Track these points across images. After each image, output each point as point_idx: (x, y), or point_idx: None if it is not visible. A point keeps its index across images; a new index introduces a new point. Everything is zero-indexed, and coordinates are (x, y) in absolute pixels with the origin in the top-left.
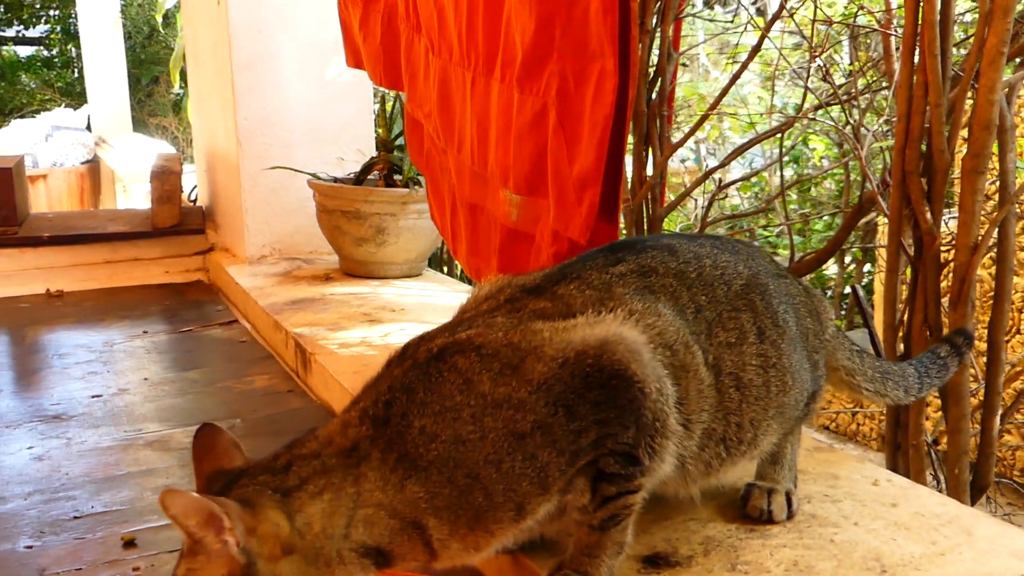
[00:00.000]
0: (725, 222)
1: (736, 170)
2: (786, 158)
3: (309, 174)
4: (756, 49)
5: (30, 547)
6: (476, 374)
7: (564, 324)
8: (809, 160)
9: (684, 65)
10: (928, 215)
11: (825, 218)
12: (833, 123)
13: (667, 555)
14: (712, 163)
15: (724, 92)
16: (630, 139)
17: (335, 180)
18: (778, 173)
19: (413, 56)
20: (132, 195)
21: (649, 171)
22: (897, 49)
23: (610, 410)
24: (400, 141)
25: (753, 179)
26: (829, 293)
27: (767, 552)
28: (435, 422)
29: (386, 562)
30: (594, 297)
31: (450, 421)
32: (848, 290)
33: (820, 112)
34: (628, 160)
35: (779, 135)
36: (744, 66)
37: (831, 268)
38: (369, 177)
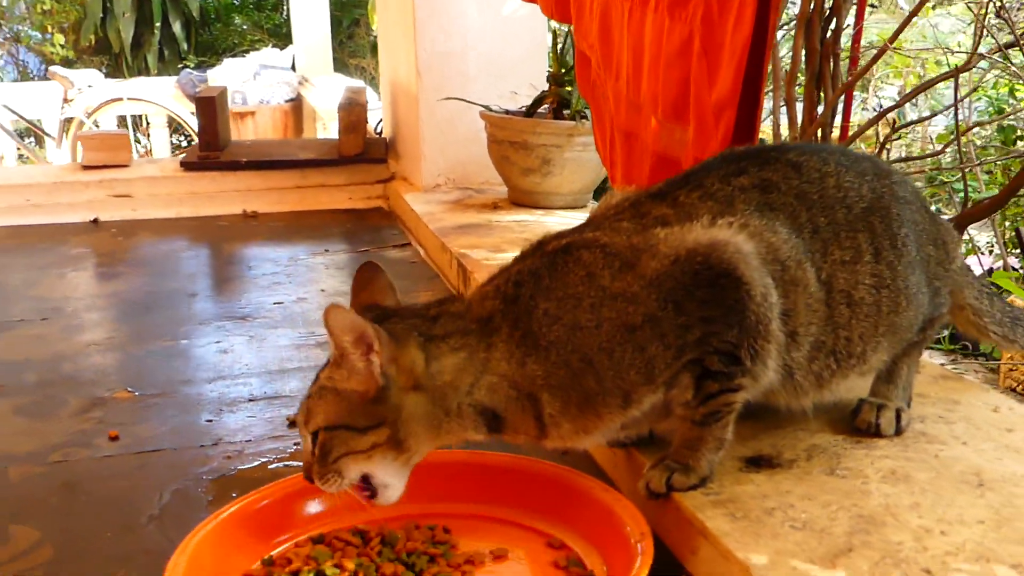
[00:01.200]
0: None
1: (938, 121)
2: (990, 111)
3: (482, 106)
4: None
5: (210, 421)
6: (598, 269)
7: (681, 228)
8: (1016, 110)
9: (872, 6)
10: None
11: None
12: (1012, 68)
13: (770, 457)
14: (914, 112)
15: (900, 29)
16: (801, 78)
17: (506, 112)
18: (980, 128)
19: None
20: (330, 131)
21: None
22: None
23: (716, 309)
24: (570, 76)
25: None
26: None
27: (868, 461)
28: (557, 307)
29: (498, 427)
30: (715, 209)
31: (571, 308)
32: None
33: (1003, 53)
34: (799, 103)
35: (956, 77)
36: (921, 4)
37: None
38: (539, 111)
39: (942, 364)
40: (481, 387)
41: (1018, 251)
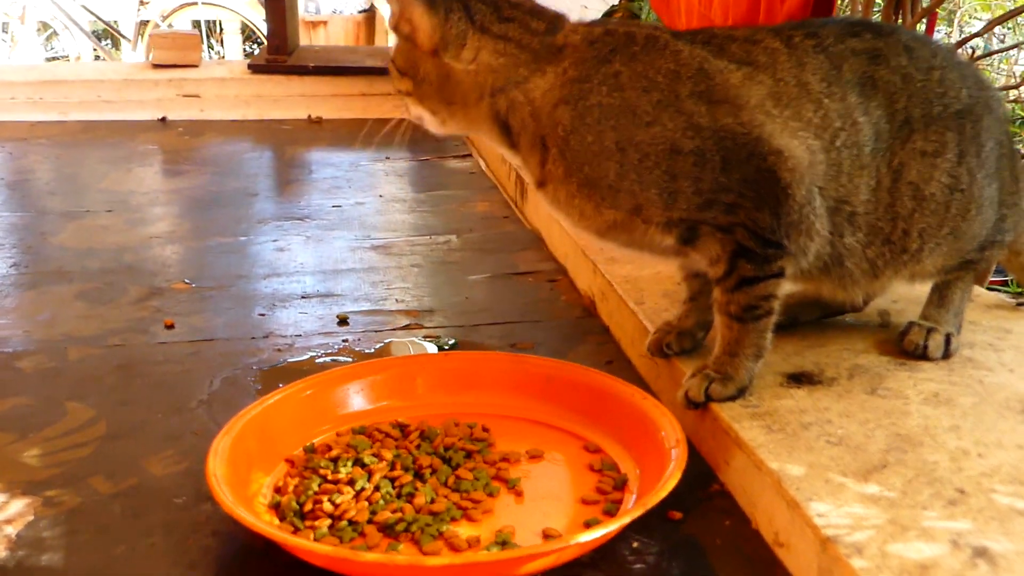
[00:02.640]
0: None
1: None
2: None
3: None
4: None
5: (262, 315)
6: (686, 77)
7: (781, 92)
8: None
9: None
10: None
11: None
12: None
13: (812, 374)
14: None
15: None
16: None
17: None
18: None
19: None
20: None
21: None
22: None
23: (755, 191)
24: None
25: None
26: None
27: (911, 383)
28: (629, 79)
29: (513, 144)
30: (824, 67)
31: (639, 88)
32: None
33: None
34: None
35: None
36: None
37: None
38: None
39: (996, 290)
40: (505, 97)
41: None
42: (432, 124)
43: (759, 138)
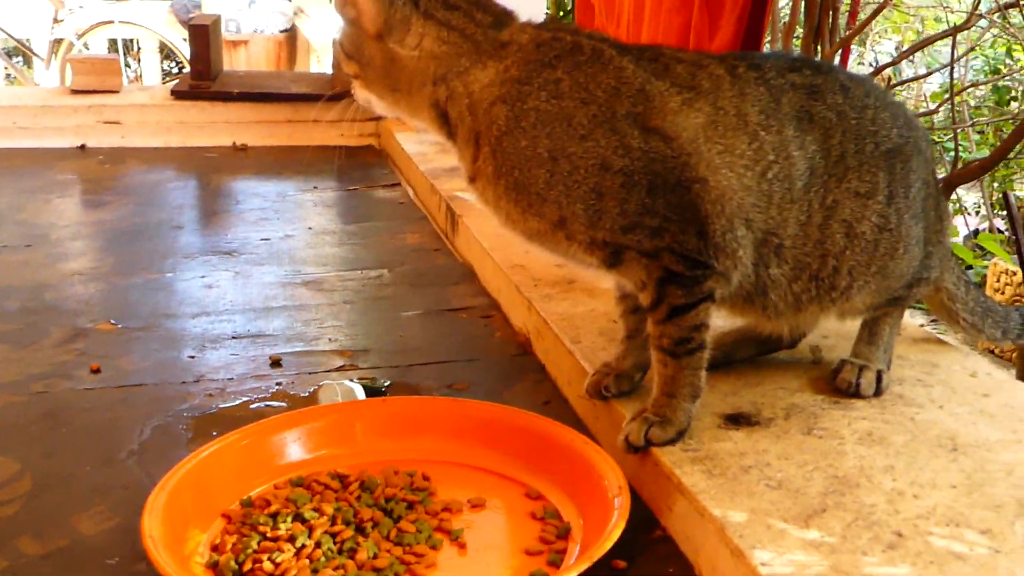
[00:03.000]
0: None
1: (934, 79)
2: (986, 69)
3: None
4: None
5: (192, 357)
6: (625, 96)
7: (719, 121)
8: (1012, 71)
9: None
10: None
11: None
12: (1010, 29)
13: (749, 415)
14: (911, 69)
15: None
16: (800, 30)
17: None
18: (976, 88)
19: None
20: (324, 65)
21: None
22: None
23: (678, 216)
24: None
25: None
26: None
27: (845, 422)
28: (569, 87)
29: (449, 132)
30: (763, 99)
31: (578, 100)
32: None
33: (1001, 13)
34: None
35: (953, 36)
36: None
37: (1021, 190)
38: None
39: (922, 325)
40: (446, 86)
41: (1004, 213)
42: (379, 108)
43: (687, 165)
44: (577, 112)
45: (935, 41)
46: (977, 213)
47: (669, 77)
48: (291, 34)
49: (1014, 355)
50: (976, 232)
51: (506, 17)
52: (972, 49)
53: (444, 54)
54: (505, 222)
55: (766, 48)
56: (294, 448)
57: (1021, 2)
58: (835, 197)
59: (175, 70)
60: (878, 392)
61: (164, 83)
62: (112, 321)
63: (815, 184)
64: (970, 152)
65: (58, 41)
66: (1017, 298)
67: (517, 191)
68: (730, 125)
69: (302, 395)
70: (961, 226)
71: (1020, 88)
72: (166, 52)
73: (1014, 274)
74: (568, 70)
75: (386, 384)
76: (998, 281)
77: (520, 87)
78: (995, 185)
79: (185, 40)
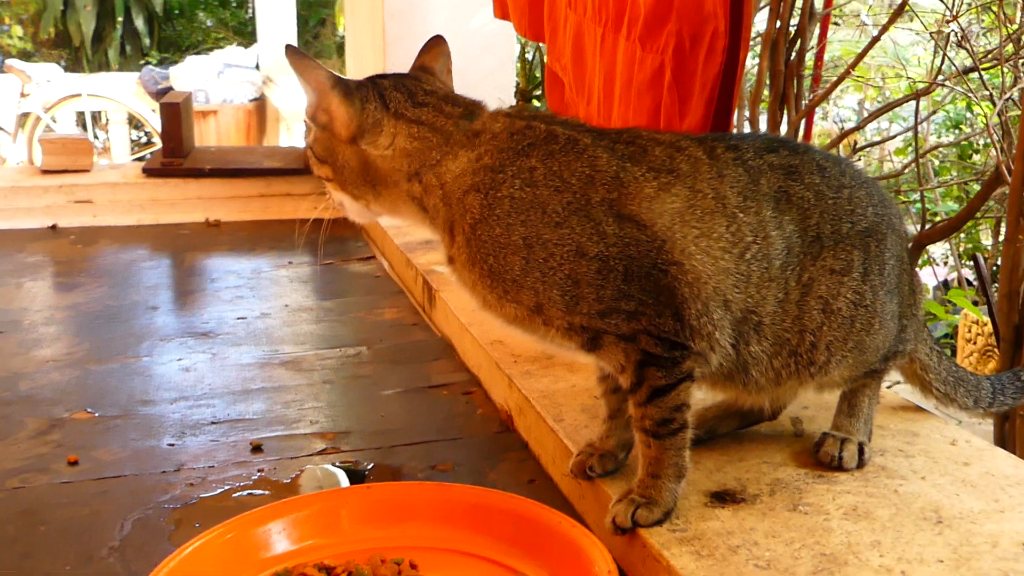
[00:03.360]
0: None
1: (897, 131)
2: (948, 123)
3: None
4: (899, 11)
5: (172, 445)
6: (600, 184)
7: (697, 204)
8: (972, 125)
9: (836, 24)
10: None
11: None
12: (969, 91)
13: (735, 492)
14: (873, 124)
15: (860, 56)
16: (767, 97)
17: None
18: (938, 137)
19: (555, 10)
20: (294, 133)
21: (783, 130)
22: None
23: (654, 299)
24: (538, 91)
25: (912, 146)
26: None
27: (830, 496)
28: (544, 175)
29: (431, 220)
30: (742, 181)
31: (552, 188)
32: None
33: (961, 78)
34: (763, 120)
35: (916, 101)
36: (885, 28)
37: (988, 240)
38: None
39: (896, 382)
40: (420, 181)
41: (972, 263)
42: (353, 209)
43: (662, 250)
44: (552, 200)
45: (899, 105)
46: (945, 263)
47: (646, 161)
48: (260, 103)
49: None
50: (946, 283)
51: (476, 107)
52: (934, 112)
53: (416, 150)
54: (483, 306)
55: (735, 120)
56: (279, 540)
57: (980, 67)
58: (811, 275)
59: (144, 140)
60: (860, 464)
61: (134, 153)
62: (89, 409)
63: (792, 262)
64: (936, 204)
65: (25, 115)
66: (988, 348)
67: (492, 278)
68: (708, 208)
69: (284, 481)
70: (930, 277)
71: (982, 141)
72: (135, 123)
73: (985, 324)
74: (542, 158)
75: (369, 467)
76: (969, 331)
77: (494, 175)
78: (962, 236)
79: (155, 111)
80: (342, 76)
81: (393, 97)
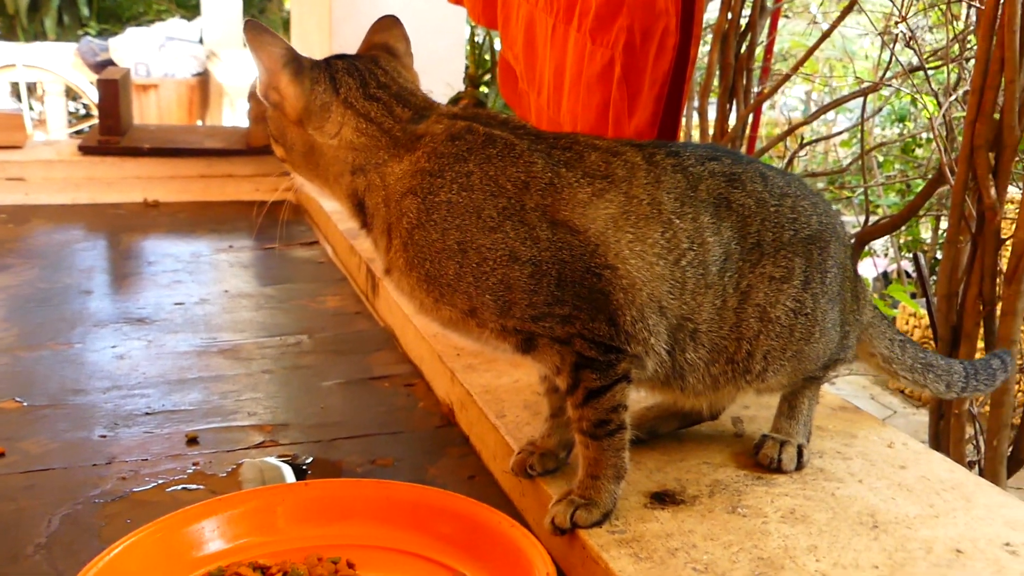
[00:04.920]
0: (825, 178)
1: (842, 124)
2: (892, 117)
3: None
4: (848, 8)
5: (104, 436)
6: (535, 190)
7: (631, 210)
8: (915, 120)
9: (787, 17)
10: (992, 190)
11: (917, 181)
12: (914, 89)
13: (674, 493)
14: (820, 117)
15: (810, 52)
16: (716, 89)
17: None
18: (883, 130)
19: None
20: (238, 110)
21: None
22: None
23: (589, 304)
24: (487, 78)
25: (856, 137)
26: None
27: (768, 499)
28: (480, 180)
29: (365, 223)
30: (680, 186)
31: (488, 192)
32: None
33: (909, 78)
34: (712, 112)
35: (864, 97)
36: (834, 26)
37: (927, 233)
38: None
39: (840, 375)
40: (364, 177)
41: (911, 255)
42: (312, 192)
43: (595, 255)
44: (487, 204)
45: (847, 101)
46: (886, 255)
47: (581, 167)
48: (203, 78)
49: (923, 394)
50: (885, 274)
51: (426, 110)
52: (879, 109)
53: (362, 146)
54: (419, 310)
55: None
56: (212, 538)
57: (926, 66)
58: (749, 282)
59: (82, 112)
60: (799, 467)
61: (71, 126)
62: (17, 399)
63: (730, 269)
64: (879, 197)
65: None
66: (924, 340)
67: (428, 282)
68: (643, 214)
69: (220, 475)
70: (870, 268)
71: (924, 136)
72: (73, 95)
73: (922, 317)
74: (479, 163)
75: (308, 461)
76: (907, 324)
77: (432, 179)
78: (903, 229)
79: (93, 84)
80: (298, 54)
81: (344, 82)
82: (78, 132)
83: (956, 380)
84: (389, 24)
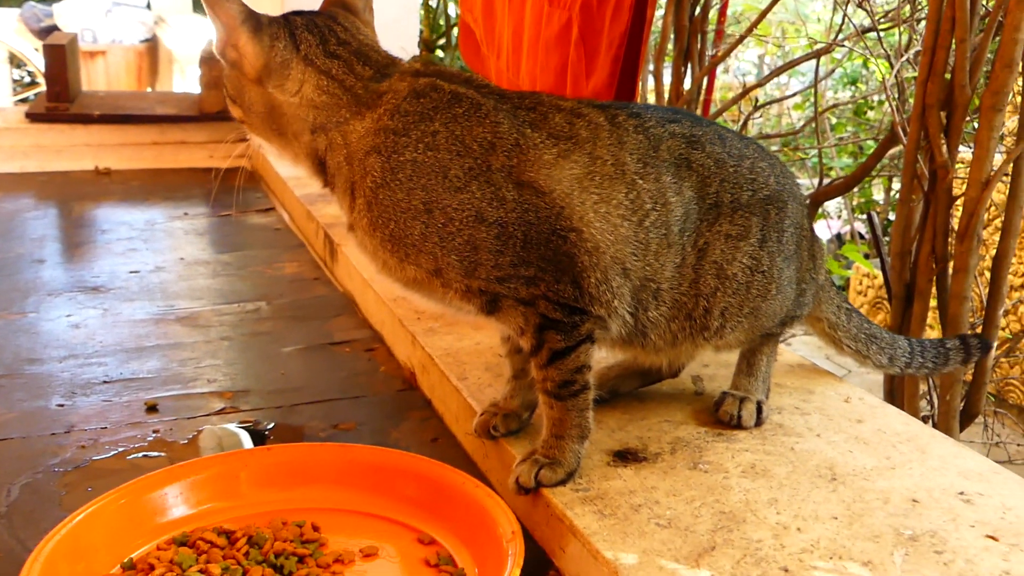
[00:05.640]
0: (779, 140)
1: (795, 87)
2: (844, 79)
3: None
4: None
5: (61, 405)
6: (500, 151)
7: (596, 171)
8: (867, 82)
9: None
10: (944, 149)
11: (870, 143)
12: (868, 52)
13: (636, 451)
14: (774, 80)
15: (763, 14)
16: (671, 53)
17: None
18: (835, 93)
19: None
20: (188, 77)
21: (688, 87)
22: None
23: (553, 266)
24: (442, 42)
25: (809, 99)
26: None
27: (729, 455)
28: (446, 139)
29: (326, 181)
30: (642, 147)
31: (454, 152)
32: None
33: (861, 39)
34: (667, 74)
35: (817, 59)
36: None
37: (881, 194)
38: None
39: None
40: (325, 136)
41: (864, 216)
42: (271, 154)
43: (560, 216)
44: (453, 164)
45: (800, 63)
46: (839, 217)
47: (546, 127)
48: (152, 44)
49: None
50: (839, 236)
51: (388, 67)
52: (833, 71)
53: (324, 104)
54: (382, 269)
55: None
56: (176, 504)
57: (878, 27)
58: (706, 239)
59: (27, 80)
60: (759, 423)
61: (16, 94)
62: None
63: (689, 228)
64: (832, 159)
65: None
66: (878, 300)
67: (393, 242)
68: (607, 174)
69: (181, 442)
70: (824, 231)
71: (876, 98)
72: (16, 62)
73: (875, 277)
74: (445, 122)
75: (269, 427)
76: (860, 284)
77: (396, 138)
78: (856, 191)
79: (38, 50)
80: (255, 11)
81: (304, 39)
82: (23, 100)
83: (900, 355)
84: None
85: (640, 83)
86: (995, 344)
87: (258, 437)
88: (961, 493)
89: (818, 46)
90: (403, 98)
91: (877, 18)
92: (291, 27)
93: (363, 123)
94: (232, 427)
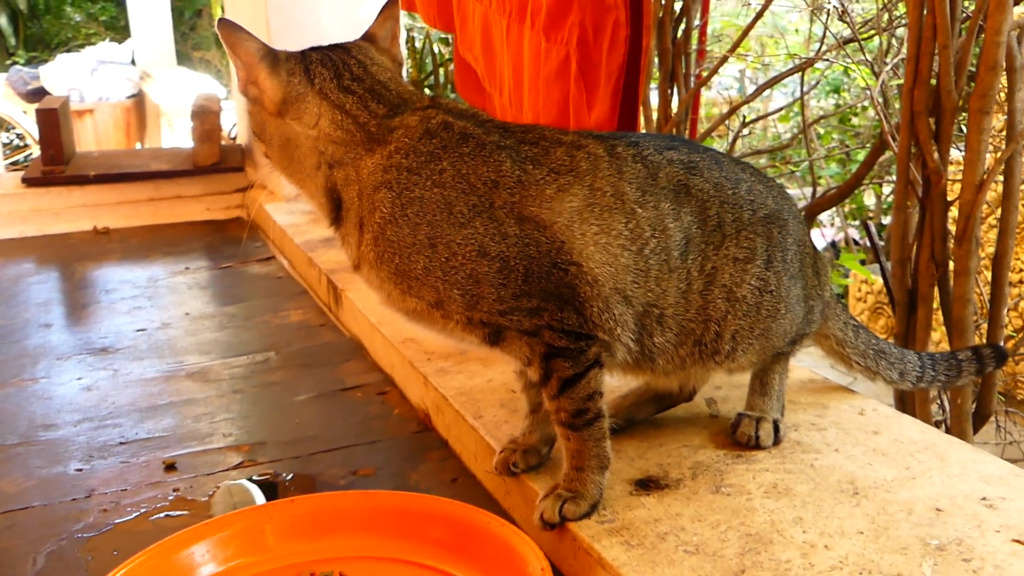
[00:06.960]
0: (767, 155)
1: (779, 100)
2: (827, 88)
3: None
4: None
5: (80, 470)
6: (503, 188)
7: (596, 202)
8: (849, 89)
9: None
10: (935, 154)
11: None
12: (850, 61)
13: (658, 478)
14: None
15: (745, 32)
16: (656, 76)
17: None
18: (818, 102)
19: (462, 1)
20: (177, 129)
21: (675, 108)
22: None
23: (556, 298)
24: (429, 81)
25: (794, 111)
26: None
27: (750, 476)
28: (452, 177)
29: (337, 216)
30: (641, 176)
31: (459, 190)
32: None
33: (842, 49)
34: (654, 97)
35: (801, 72)
36: (767, 5)
37: (871, 200)
38: None
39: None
40: (343, 171)
41: (857, 223)
42: (290, 186)
43: (561, 250)
44: (458, 201)
45: (785, 78)
46: (832, 225)
47: (548, 163)
48: (139, 99)
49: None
50: (834, 243)
51: (402, 106)
52: (816, 84)
53: (340, 139)
54: (386, 301)
55: None
56: (204, 562)
57: (859, 38)
58: (714, 264)
59: (17, 142)
60: (777, 441)
61: (7, 157)
62: None
63: (692, 252)
64: (820, 168)
65: None
66: (878, 305)
67: (398, 275)
68: (607, 205)
69: (202, 499)
70: (819, 239)
71: (860, 106)
72: (6, 126)
73: (874, 283)
74: (452, 161)
75: (288, 477)
76: (859, 291)
77: (408, 176)
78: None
79: (26, 113)
80: (272, 48)
81: (318, 73)
82: (14, 163)
83: (910, 370)
84: (385, 6)
85: (641, 112)
86: (1009, 351)
87: (269, 489)
88: (984, 499)
89: (800, 59)
90: (415, 136)
91: (857, 28)
92: (306, 62)
93: (373, 159)
94: (244, 483)
